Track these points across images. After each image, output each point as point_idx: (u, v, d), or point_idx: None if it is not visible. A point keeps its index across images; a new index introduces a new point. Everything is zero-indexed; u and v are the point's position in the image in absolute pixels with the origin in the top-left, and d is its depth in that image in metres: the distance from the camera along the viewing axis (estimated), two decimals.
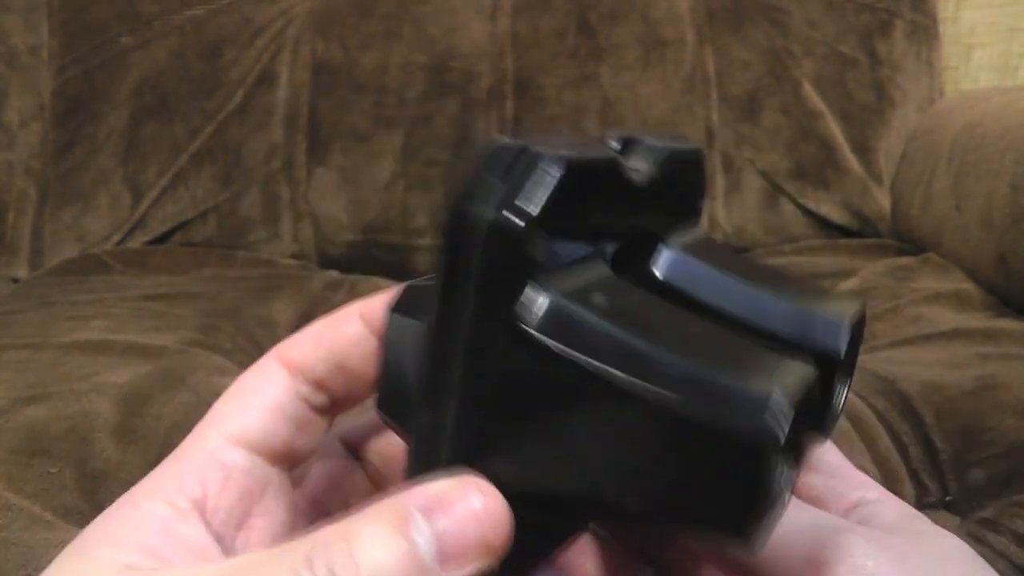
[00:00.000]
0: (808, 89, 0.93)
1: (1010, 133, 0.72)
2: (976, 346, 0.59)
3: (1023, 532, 0.44)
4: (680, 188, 0.24)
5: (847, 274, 0.77)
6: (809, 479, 0.27)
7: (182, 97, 0.94)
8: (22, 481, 0.44)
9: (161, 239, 0.93)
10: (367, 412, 0.25)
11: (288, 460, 0.24)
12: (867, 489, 0.26)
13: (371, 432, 0.27)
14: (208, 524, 0.22)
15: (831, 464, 0.28)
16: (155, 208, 0.93)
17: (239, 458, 0.23)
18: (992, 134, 0.75)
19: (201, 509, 0.22)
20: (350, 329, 0.24)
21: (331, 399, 0.24)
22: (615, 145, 0.24)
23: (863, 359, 0.60)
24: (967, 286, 0.72)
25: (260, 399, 0.24)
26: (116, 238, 0.93)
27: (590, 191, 0.22)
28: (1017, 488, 0.46)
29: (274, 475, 0.24)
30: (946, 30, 0.99)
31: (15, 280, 0.91)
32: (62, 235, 0.93)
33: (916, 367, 0.55)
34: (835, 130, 0.93)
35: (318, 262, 0.93)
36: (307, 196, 0.93)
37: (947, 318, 0.66)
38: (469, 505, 0.20)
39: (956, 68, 1.02)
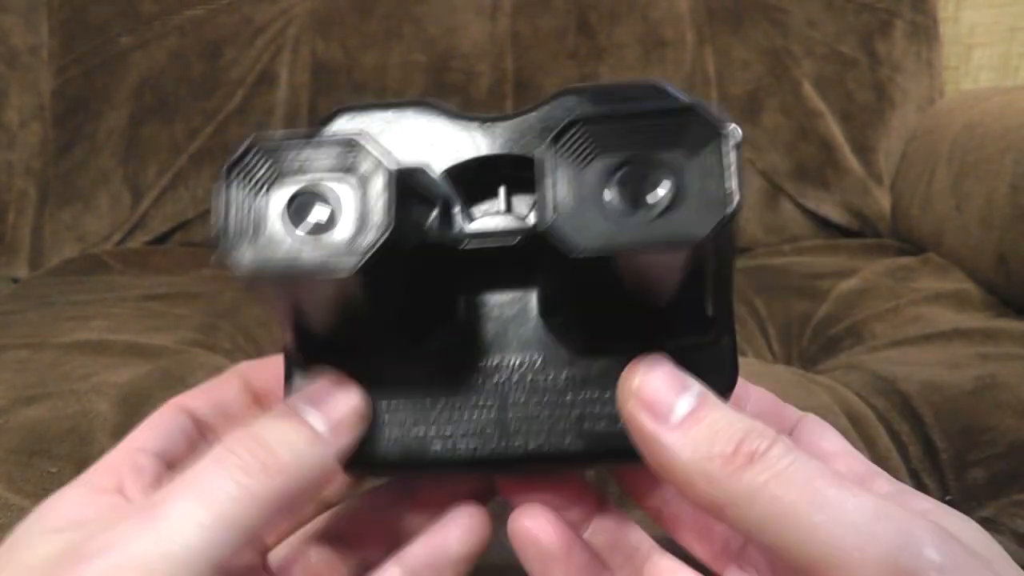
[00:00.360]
0: (808, 89, 0.93)
1: (1010, 133, 0.72)
2: (976, 346, 0.59)
3: (1023, 532, 0.44)
4: None
5: (847, 274, 0.77)
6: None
7: (182, 97, 0.94)
8: (22, 481, 0.44)
9: (161, 239, 0.93)
10: None
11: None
12: (891, 482, 0.26)
13: None
14: (123, 498, 0.25)
15: (828, 450, 0.28)
16: (155, 208, 0.93)
17: (144, 460, 0.26)
18: (992, 134, 0.75)
19: (120, 491, 0.25)
20: (231, 385, 0.30)
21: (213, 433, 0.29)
22: None
23: (863, 359, 0.60)
24: (967, 286, 0.72)
25: (157, 423, 0.28)
26: (116, 238, 0.93)
27: None
28: (1017, 488, 0.46)
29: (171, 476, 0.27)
30: (946, 30, 0.99)
31: (15, 280, 0.91)
32: (62, 235, 0.93)
33: (916, 367, 0.55)
34: (835, 130, 0.93)
35: None
36: None
37: (947, 318, 0.66)
38: (330, 381, 0.26)
39: (956, 68, 1.02)
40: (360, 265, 0.22)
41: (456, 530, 0.28)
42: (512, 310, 0.28)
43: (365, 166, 0.23)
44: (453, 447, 0.27)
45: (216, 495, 0.22)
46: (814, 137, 0.93)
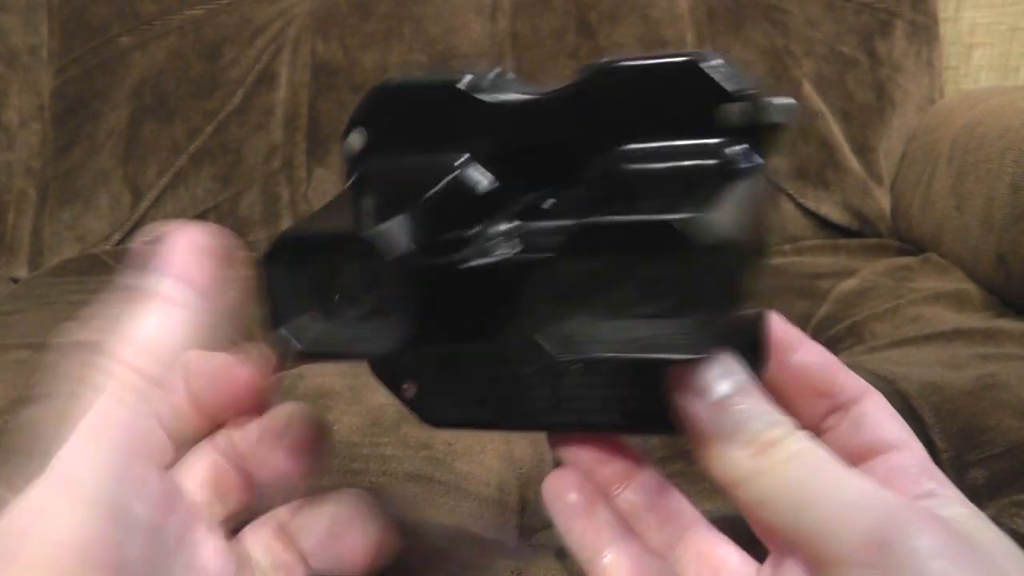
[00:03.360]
0: (808, 89, 0.93)
1: (1010, 133, 0.72)
2: (976, 346, 0.59)
3: (1023, 532, 0.44)
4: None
5: (847, 274, 0.77)
6: (873, 461, 0.27)
7: (182, 97, 0.94)
8: (22, 481, 0.44)
9: None
10: None
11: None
12: (938, 481, 0.26)
13: None
14: None
15: (893, 440, 0.27)
16: (155, 208, 0.93)
17: None
18: (992, 134, 0.75)
19: None
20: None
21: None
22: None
23: (863, 359, 0.60)
24: (967, 286, 0.72)
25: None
26: (116, 238, 0.93)
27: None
28: (1017, 488, 0.46)
29: None
30: (946, 30, 0.99)
31: (15, 280, 0.91)
32: (62, 235, 0.93)
33: (916, 367, 0.55)
34: (835, 130, 0.93)
35: None
36: (307, 196, 0.93)
37: (947, 318, 0.66)
38: (182, 244, 0.25)
39: (956, 68, 1.02)
40: (398, 347, 0.24)
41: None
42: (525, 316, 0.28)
43: (384, 262, 0.24)
44: (510, 414, 0.29)
45: (96, 423, 0.23)
46: (814, 137, 0.93)
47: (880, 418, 0.28)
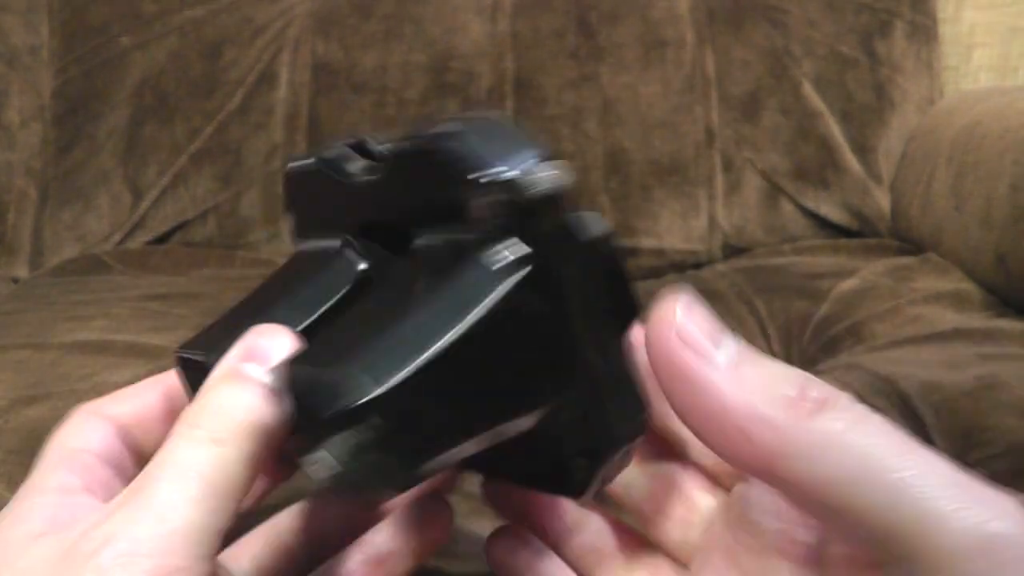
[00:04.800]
0: (808, 89, 0.93)
1: (1010, 133, 0.72)
2: (976, 346, 0.59)
3: None
4: (418, 185, 0.26)
5: (847, 274, 0.77)
6: None
7: (182, 97, 0.94)
8: (22, 481, 0.44)
9: (161, 239, 0.93)
10: None
11: (120, 473, 0.28)
12: None
13: None
14: (89, 495, 0.25)
15: None
16: (155, 208, 0.93)
17: (91, 459, 0.27)
18: (992, 134, 0.75)
19: (87, 489, 0.25)
20: (149, 399, 0.30)
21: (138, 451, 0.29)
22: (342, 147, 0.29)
23: (863, 359, 0.60)
24: (967, 286, 0.72)
25: (90, 426, 0.28)
26: (116, 238, 0.93)
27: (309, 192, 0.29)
28: (1017, 488, 0.46)
29: (115, 476, 0.27)
30: (946, 30, 0.99)
31: (15, 280, 0.91)
32: (62, 235, 0.93)
33: (916, 367, 0.55)
34: (835, 130, 0.93)
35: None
36: None
37: (947, 318, 0.66)
38: (265, 336, 0.25)
39: (956, 68, 1.02)
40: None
41: (419, 520, 0.28)
42: None
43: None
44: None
45: (198, 469, 0.23)
46: (814, 137, 0.93)
47: None
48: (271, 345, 0.25)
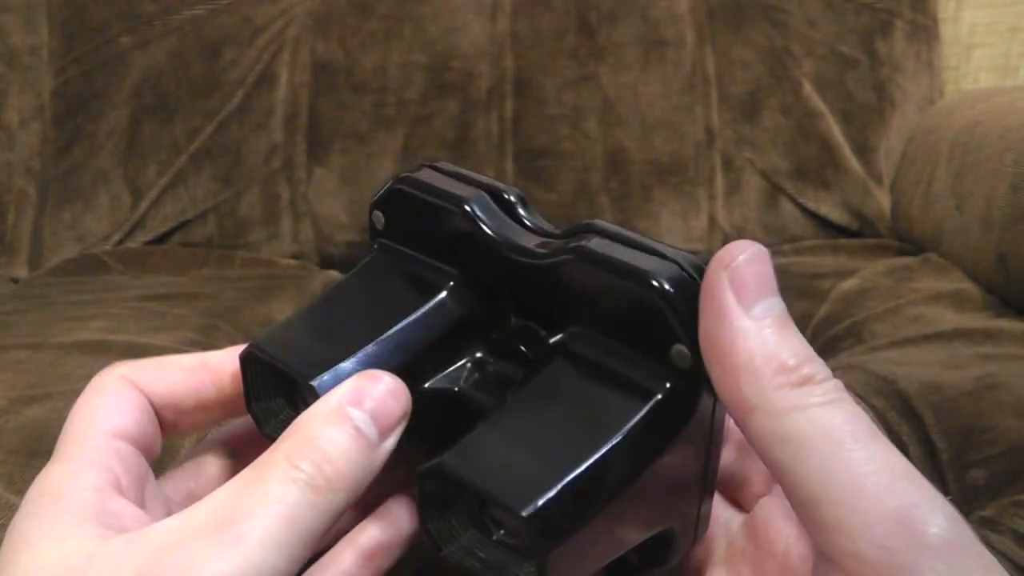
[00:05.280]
0: (808, 89, 0.93)
1: (1010, 133, 0.72)
2: (976, 346, 0.59)
3: (1023, 532, 0.44)
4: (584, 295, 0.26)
5: (847, 274, 0.77)
6: None
7: (182, 97, 0.94)
8: (22, 481, 0.44)
9: (161, 239, 0.93)
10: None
11: (149, 455, 0.28)
12: None
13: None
14: (126, 500, 0.25)
15: None
16: (155, 208, 0.93)
17: (124, 448, 0.26)
18: (992, 134, 0.75)
19: (117, 489, 0.25)
20: (192, 377, 0.29)
21: (165, 421, 0.29)
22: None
23: (863, 359, 0.60)
24: (967, 286, 0.72)
25: (124, 402, 0.27)
26: (116, 238, 0.93)
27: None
28: (1017, 488, 0.46)
29: (146, 464, 0.27)
30: (946, 30, 0.99)
31: (15, 280, 0.91)
32: (62, 235, 0.93)
33: (916, 367, 0.55)
34: (835, 130, 0.93)
35: (318, 262, 0.93)
36: (307, 196, 0.93)
37: (947, 318, 0.66)
38: (380, 387, 0.25)
39: (956, 68, 1.02)
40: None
41: (405, 512, 0.29)
42: None
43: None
44: None
45: (290, 514, 0.23)
46: (814, 137, 0.93)
47: None
48: (380, 392, 0.25)
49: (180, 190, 0.93)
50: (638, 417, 0.24)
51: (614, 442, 0.23)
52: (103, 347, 0.60)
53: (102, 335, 0.62)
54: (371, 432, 0.25)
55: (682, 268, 0.24)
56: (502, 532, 0.25)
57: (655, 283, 0.24)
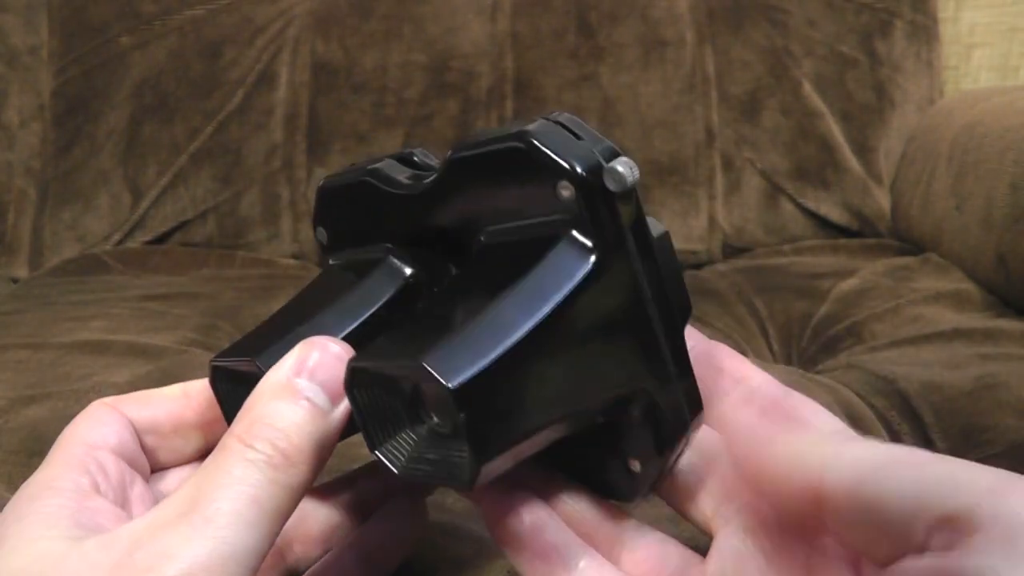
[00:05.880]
0: (808, 89, 0.93)
1: (1010, 133, 0.72)
2: (976, 346, 0.59)
3: None
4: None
5: (847, 274, 0.77)
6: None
7: (182, 97, 0.94)
8: (22, 481, 0.44)
9: (161, 239, 0.93)
10: None
11: (136, 468, 0.28)
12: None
13: None
14: (105, 500, 0.26)
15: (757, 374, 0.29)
16: (155, 208, 0.93)
17: (105, 457, 0.27)
18: (992, 134, 0.75)
19: (96, 491, 0.26)
20: (172, 405, 0.30)
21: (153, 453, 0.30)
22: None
23: (863, 359, 0.60)
24: (967, 286, 0.72)
25: (108, 421, 0.28)
26: (116, 238, 0.93)
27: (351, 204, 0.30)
28: None
29: (131, 472, 0.28)
30: (946, 30, 0.99)
31: (15, 280, 0.91)
32: (62, 235, 0.93)
33: (916, 367, 0.55)
34: (835, 130, 0.93)
35: (318, 262, 0.93)
36: (307, 196, 0.93)
37: (947, 318, 0.66)
38: (322, 353, 0.26)
39: (956, 68, 1.02)
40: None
41: (401, 515, 0.30)
42: None
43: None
44: None
45: (253, 492, 0.23)
46: (814, 137, 0.93)
47: (813, 410, 0.28)
48: (324, 357, 0.26)
49: (180, 190, 0.93)
50: (542, 263, 0.24)
51: (520, 293, 0.24)
52: (103, 347, 0.60)
53: (102, 335, 0.62)
54: (321, 399, 0.25)
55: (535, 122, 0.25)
56: (436, 421, 0.24)
57: (513, 132, 0.25)
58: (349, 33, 0.94)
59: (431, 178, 0.28)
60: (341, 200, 0.31)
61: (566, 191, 0.24)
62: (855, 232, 0.92)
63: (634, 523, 0.29)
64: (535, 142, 0.24)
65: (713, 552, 0.27)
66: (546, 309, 0.24)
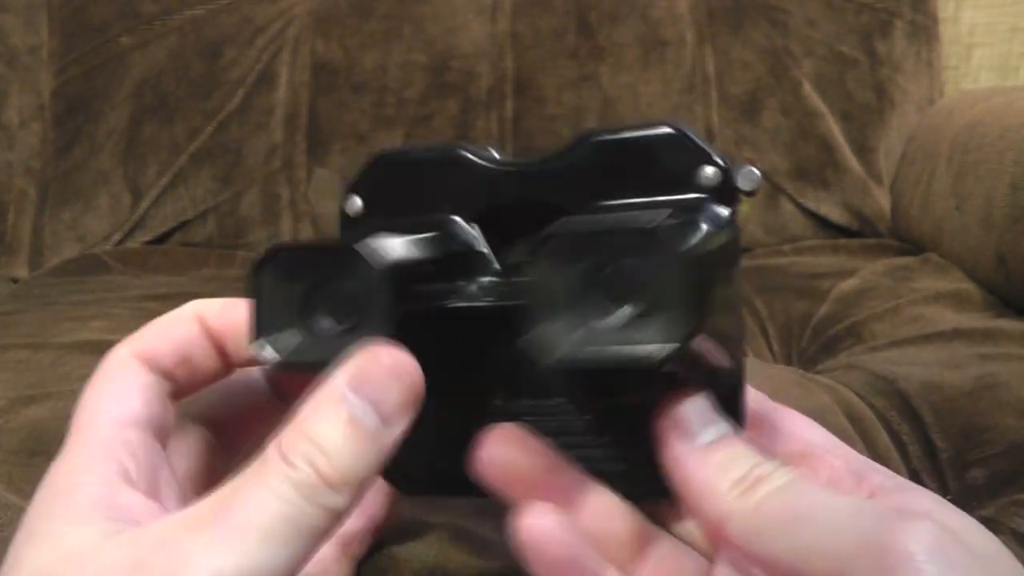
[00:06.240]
0: (808, 89, 0.93)
1: (1010, 133, 0.72)
2: (976, 346, 0.59)
3: (1023, 532, 0.44)
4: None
5: (847, 274, 0.77)
6: (818, 462, 0.28)
7: (182, 97, 0.94)
8: (22, 481, 0.44)
9: (161, 239, 0.93)
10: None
11: (162, 437, 0.27)
12: (884, 474, 0.27)
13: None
14: (137, 491, 0.25)
15: (825, 444, 0.28)
16: (155, 208, 0.93)
17: (135, 436, 0.26)
18: (992, 134, 0.75)
19: (127, 480, 0.25)
20: (190, 328, 0.28)
21: (175, 387, 0.28)
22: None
23: (863, 359, 0.60)
24: (967, 286, 0.72)
25: (132, 385, 0.27)
26: (116, 238, 0.93)
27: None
28: (1017, 488, 0.46)
29: (159, 450, 0.27)
30: (946, 30, 0.99)
31: (15, 280, 0.91)
32: (62, 235, 0.93)
33: (916, 367, 0.55)
34: (835, 130, 0.93)
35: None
36: (307, 196, 0.93)
37: (947, 318, 0.66)
38: (381, 365, 0.24)
39: (956, 68, 1.02)
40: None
41: (374, 504, 0.30)
42: (525, 362, 0.27)
43: (361, 272, 0.25)
44: (471, 480, 0.28)
45: (287, 511, 0.22)
46: (814, 137, 0.93)
47: (802, 425, 0.29)
48: (381, 372, 0.24)
49: (180, 190, 0.93)
50: (702, 212, 0.27)
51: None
52: (103, 347, 0.59)
53: (102, 335, 0.62)
54: (371, 420, 0.23)
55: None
56: (627, 306, 0.24)
57: (667, 123, 0.28)
58: (349, 33, 0.94)
59: (547, 156, 0.29)
60: (408, 170, 0.31)
61: (710, 174, 0.28)
62: (855, 232, 0.92)
63: (654, 531, 0.28)
64: (685, 130, 0.28)
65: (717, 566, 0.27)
66: (729, 231, 0.27)
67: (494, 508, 0.28)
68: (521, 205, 0.29)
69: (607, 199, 0.29)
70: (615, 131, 0.29)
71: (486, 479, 0.27)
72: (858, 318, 0.68)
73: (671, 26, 0.93)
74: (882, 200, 0.93)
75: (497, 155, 0.31)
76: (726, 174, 0.28)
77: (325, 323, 0.26)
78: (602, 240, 0.24)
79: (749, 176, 0.28)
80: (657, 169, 0.28)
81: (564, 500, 0.27)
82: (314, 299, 0.26)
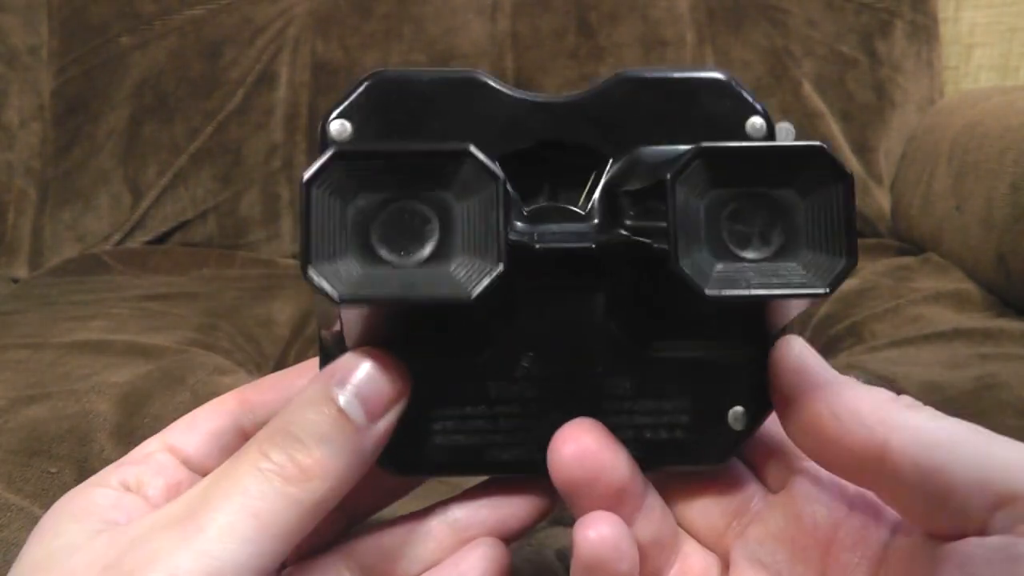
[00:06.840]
0: (808, 89, 0.93)
1: (1010, 133, 0.72)
2: (976, 346, 0.59)
3: None
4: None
5: None
6: None
7: (182, 97, 0.94)
8: (22, 481, 0.44)
9: (161, 239, 0.93)
10: None
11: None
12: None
13: None
14: (147, 501, 0.25)
15: None
16: (155, 208, 0.93)
17: (169, 462, 0.26)
18: (992, 134, 0.75)
19: (139, 490, 0.25)
20: (303, 382, 0.26)
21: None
22: None
23: (863, 359, 0.60)
24: (967, 286, 0.72)
25: (207, 424, 0.27)
26: (116, 238, 0.93)
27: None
28: None
29: (195, 477, 0.27)
30: (946, 30, 0.99)
31: (15, 280, 0.91)
32: (62, 235, 0.93)
33: (916, 367, 0.55)
34: (835, 130, 0.93)
35: None
36: None
37: (947, 318, 0.66)
38: (369, 367, 0.23)
39: (956, 68, 1.02)
40: (479, 294, 0.21)
41: (478, 561, 0.27)
42: (572, 314, 0.26)
43: (469, 176, 0.21)
44: (505, 452, 0.26)
45: (256, 508, 0.22)
46: (814, 137, 0.93)
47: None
48: (372, 371, 0.23)
49: (180, 190, 0.93)
50: None
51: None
52: (103, 347, 0.60)
53: (102, 335, 0.62)
54: (356, 413, 0.23)
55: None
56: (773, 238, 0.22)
57: (715, 69, 0.27)
58: (349, 33, 0.94)
59: (582, 92, 0.28)
60: (413, 95, 0.27)
61: (758, 125, 0.27)
62: None
63: (679, 533, 0.28)
64: (735, 78, 0.27)
65: (733, 570, 0.27)
66: None
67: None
68: (544, 145, 0.26)
69: (643, 142, 0.26)
70: (657, 70, 0.28)
71: (562, 476, 0.25)
72: (858, 318, 0.68)
73: (671, 26, 0.93)
74: (882, 200, 0.93)
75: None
76: (771, 128, 0.27)
77: (398, 250, 0.21)
78: (757, 162, 0.22)
79: (788, 133, 0.27)
80: (702, 115, 0.27)
81: (628, 507, 0.26)
82: (382, 218, 0.21)
